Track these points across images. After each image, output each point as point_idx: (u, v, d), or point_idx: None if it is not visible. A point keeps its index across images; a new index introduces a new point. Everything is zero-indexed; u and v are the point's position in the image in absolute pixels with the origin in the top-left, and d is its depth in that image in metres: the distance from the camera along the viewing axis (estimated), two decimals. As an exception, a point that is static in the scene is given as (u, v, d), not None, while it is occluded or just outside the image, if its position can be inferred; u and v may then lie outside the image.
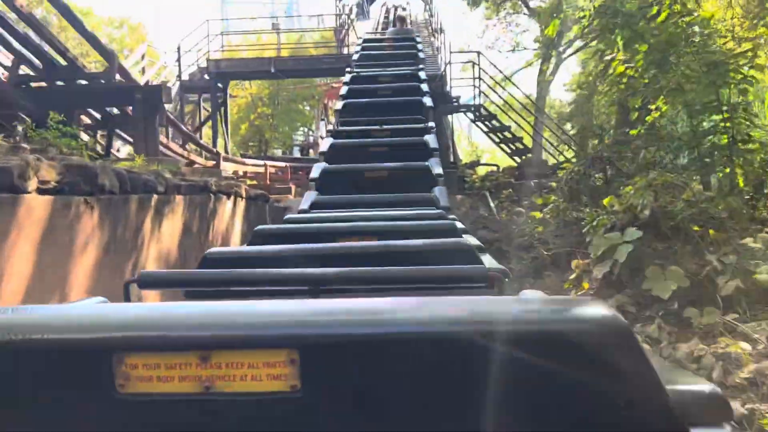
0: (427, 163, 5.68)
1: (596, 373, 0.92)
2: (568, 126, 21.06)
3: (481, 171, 13.90)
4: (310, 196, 5.19)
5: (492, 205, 10.76)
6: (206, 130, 18.52)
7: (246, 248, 2.81)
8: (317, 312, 1.03)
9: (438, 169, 5.72)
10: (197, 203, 6.95)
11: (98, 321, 1.02)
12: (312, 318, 0.99)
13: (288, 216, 3.95)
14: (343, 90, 9.07)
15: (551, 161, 14.51)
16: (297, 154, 24.54)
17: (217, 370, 0.92)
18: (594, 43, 11.78)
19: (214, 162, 11.16)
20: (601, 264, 5.99)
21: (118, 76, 8.35)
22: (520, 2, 22.92)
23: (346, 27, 18.87)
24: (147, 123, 7.85)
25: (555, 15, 10.19)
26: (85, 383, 0.96)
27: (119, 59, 8.22)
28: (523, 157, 13.42)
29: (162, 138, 10.31)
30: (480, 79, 14.45)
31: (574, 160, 11.36)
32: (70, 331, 0.99)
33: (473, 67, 15.14)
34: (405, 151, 6.18)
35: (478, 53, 14.89)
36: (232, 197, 8.05)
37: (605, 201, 6.75)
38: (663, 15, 8.57)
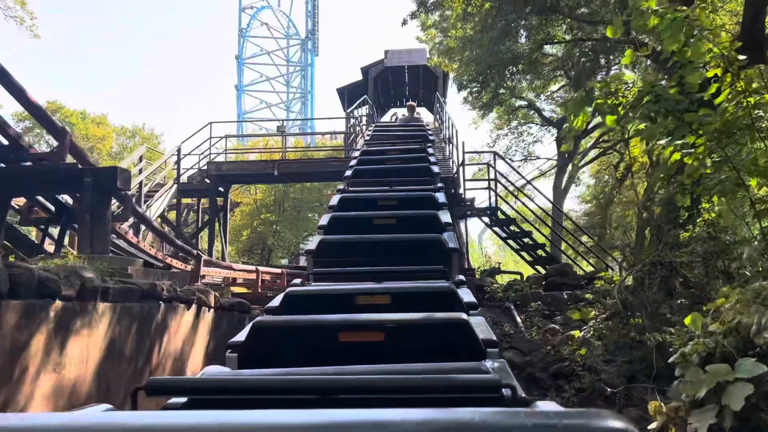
0: (435, 212, 5.76)
1: None
2: (585, 238, 19.34)
3: (502, 280, 11.99)
4: (317, 238, 5.18)
5: (518, 320, 8.75)
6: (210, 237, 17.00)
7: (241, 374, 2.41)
8: (327, 423, 0.98)
9: (447, 218, 5.72)
10: (136, 314, 5.04)
11: (107, 430, 0.97)
12: (322, 430, 0.95)
13: (290, 290, 3.70)
14: (353, 162, 9.03)
15: (578, 271, 12.57)
16: (303, 263, 22.79)
17: None
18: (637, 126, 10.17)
19: (194, 266, 9.33)
20: (702, 411, 3.96)
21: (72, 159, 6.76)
22: (533, 112, 22.00)
23: (355, 134, 17.76)
24: (95, 212, 6.17)
25: (583, 107, 8.72)
26: None
27: (72, 137, 6.62)
28: (547, 266, 11.52)
29: (132, 237, 8.59)
30: (496, 180, 12.88)
31: (610, 269, 9.49)
32: None
33: (488, 169, 13.66)
34: (414, 206, 6.21)
35: (495, 153, 13.43)
36: (194, 307, 6.14)
37: (687, 320, 4.80)
38: (723, 95, 7.03)
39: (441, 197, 6.60)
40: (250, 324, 2.85)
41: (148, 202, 15.24)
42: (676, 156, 7.26)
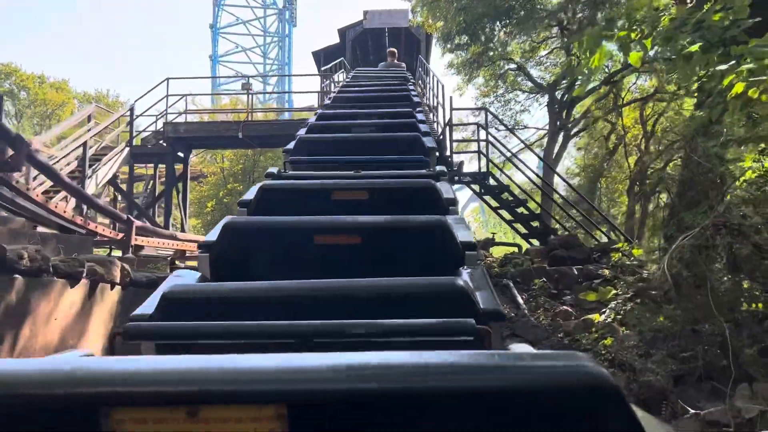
0: (414, 120, 5.95)
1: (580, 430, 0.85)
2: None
3: (497, 252, 10.27)
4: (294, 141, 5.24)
5: (520, 300, 7.03)
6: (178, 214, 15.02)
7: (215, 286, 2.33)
8: (305, 366, 0.96)
9: (425, 128, 5.74)
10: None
11: (85, 374, 0.92)
12: (299, 373, 0.93)
13: (264, 183, 3.50)
14: (332, 94, 9.20)
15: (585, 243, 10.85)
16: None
17: (205, 424, 0.86)
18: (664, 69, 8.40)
19: (124, 234, 7.45)
20: None
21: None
22: (521, 78, 20.21)
23: (330, 91, 15.79)
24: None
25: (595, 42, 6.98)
26: None
27: None
28: (551, 237, 9.82)
29: (38, 195, 6.66)
30: (487, 142, 11.08)
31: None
32: (55, 385, 0.89)
33: (478, 130, 11.87)
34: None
35: (486, 110, 11.61)
36: (85, 282, 4.28)
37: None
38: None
39: (420, 116, 6.56)
40: (222, 223, 2.72)
41: (94, 166, 13.18)
42: (739, 87, 5.53)
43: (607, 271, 7.32)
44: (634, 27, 6.59)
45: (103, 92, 28.00)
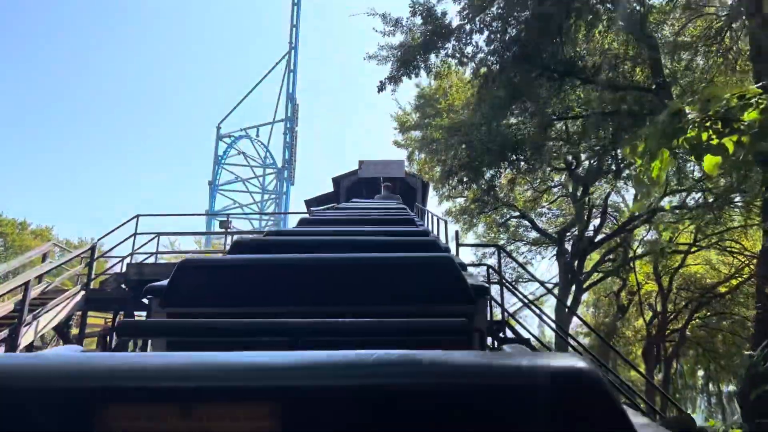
0: (411, 217, 5.89)
1: (568, 429, 0.82)
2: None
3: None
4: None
5: None
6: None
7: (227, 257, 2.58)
8: (299, 364, 0.93)
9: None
10: None
11: (77, 370, 0.89)
12: (294, 370, 0.91)
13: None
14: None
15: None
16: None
17: (199, 422, 0.83)
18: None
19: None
20: None
21: None
22: (523, 229, 18.72)
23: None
24: None
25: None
26: None
27: None
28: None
29: None
30: (502, 284, 9.04)
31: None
32: (47, 380, 0.86)
33: (488, 272, 9.90)
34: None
35: (498, 248, 9.68)
36: None
37: None
38: None
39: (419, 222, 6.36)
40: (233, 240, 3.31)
41: (36, 311, 10.93)
42: None
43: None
44: (708, 123, 4.85)
45: (86, 240, 26.39)
